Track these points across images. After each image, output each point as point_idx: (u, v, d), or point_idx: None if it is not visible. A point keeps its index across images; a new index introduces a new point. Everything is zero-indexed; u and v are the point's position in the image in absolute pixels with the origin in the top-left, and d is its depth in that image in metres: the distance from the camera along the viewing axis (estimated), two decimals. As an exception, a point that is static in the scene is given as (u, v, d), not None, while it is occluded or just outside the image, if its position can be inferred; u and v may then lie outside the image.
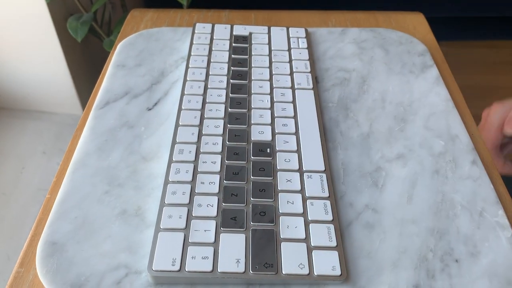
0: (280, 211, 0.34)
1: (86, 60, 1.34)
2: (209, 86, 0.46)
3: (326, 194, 0.36)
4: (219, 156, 0.38)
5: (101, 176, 0.38)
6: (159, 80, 0.48)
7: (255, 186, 0.36)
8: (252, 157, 0.38)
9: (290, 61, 0.50)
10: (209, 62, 0.49)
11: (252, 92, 0.45)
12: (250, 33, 0.54)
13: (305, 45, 0.52)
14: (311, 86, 0.46)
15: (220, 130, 0.41)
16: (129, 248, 0.33)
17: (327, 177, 0.37)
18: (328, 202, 0.35)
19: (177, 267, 0.31)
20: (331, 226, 0.34)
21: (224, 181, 0.36)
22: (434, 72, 0.50)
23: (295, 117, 0.43)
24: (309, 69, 0.49)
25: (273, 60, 0.50)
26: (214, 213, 0.34)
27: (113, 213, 0.35)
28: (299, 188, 0.36)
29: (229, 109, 0.43)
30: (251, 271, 0.31)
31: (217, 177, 0.37)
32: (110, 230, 0.34)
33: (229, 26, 0.54)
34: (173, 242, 0.32)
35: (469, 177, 0.39)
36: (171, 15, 0.60)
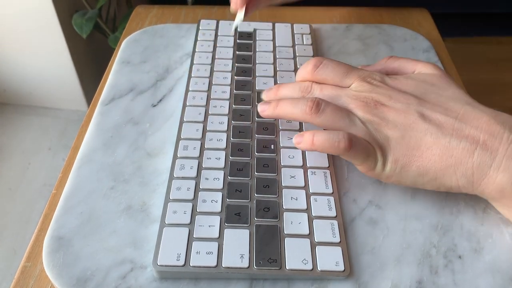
0: (284, 207, 0.35)
1: (91, 57, 1.34)
2: (213, 83, 0.46)
3: (330, 190, 0.36)
4: (223, 152, 0.39)
5: (106, 172, 0.38)
6: (164, 76, 0.48)
7: (259, 182, 0.36)
8: (256, 153, 0.39)
9: (295, 57, 0.50)
10: (213, 58, 0.49)
11: (257, 88, 0.45)
12: (255, 30, 0.54)
13: (310, 42, 0.52)
14: (315, 82, 0.46)
15: (224, 127, 0.41)
16: (134, 243, 0.33)
17: (331, 174, 0.37)
18: (331, 198, 0.35)
19: (181, 262, 0.31)
20: (335, 222, 0.34)
21: (229, 177, 0.37)
22: (438, 68, 0.50)
23: (299, 113, 0.43)
24: (313, 66, 0.49)
25: (277, 56, 0.50)
26: (219, 209, 0.34)
27: (118, 209, 0.35)
28: (303, 184, 0.36)
29: (234, 106, 0.43)
30: (255, 266, 0.31)
31: (222, 173, 0.37)
32: (115, 225, 0.34)
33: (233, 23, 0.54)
34: (178, 237, 0.32)
35: (473, 174, 0.39)
36: (176, 11, 0.61)
